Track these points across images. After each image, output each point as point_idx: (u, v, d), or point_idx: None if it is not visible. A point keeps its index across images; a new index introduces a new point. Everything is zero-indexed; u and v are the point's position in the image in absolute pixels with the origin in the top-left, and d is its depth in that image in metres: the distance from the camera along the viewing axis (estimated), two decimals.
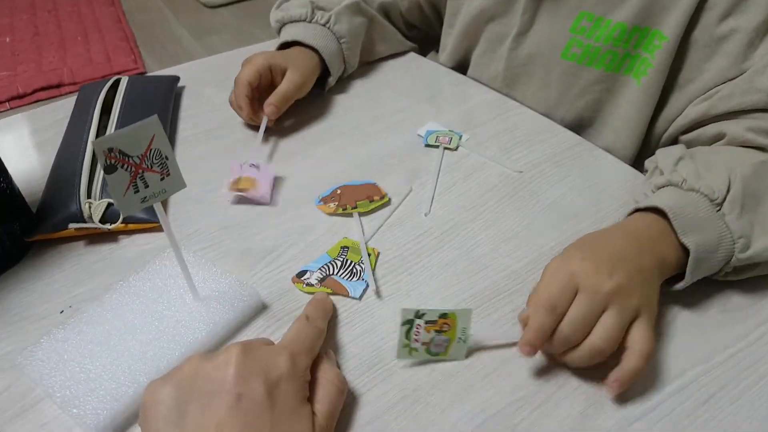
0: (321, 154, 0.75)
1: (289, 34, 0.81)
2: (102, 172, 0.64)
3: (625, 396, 0.47)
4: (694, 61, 0.67)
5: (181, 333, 0.50)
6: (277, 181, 0.70)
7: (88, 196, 0.61)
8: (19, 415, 0.47)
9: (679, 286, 0.53)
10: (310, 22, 0.82)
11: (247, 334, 0.53)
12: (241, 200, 0.67)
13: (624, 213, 0.58)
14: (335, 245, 0.62)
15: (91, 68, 2.11)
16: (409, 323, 0.49)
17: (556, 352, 0.48)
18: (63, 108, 0.81)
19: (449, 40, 0.89)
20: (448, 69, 0.91)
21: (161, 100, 0.78)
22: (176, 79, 0.85)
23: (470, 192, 0.68)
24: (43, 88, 2.02)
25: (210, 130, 0.78)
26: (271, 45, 0.87)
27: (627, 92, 0.73)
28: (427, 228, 0.63)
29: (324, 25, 0.82)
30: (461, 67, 0.90)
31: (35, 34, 2.39)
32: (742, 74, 0.64)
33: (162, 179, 0.45)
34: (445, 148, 0.74)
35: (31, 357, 0.49)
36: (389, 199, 0.67)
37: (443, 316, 0.50)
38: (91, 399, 0.46)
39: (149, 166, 0.43)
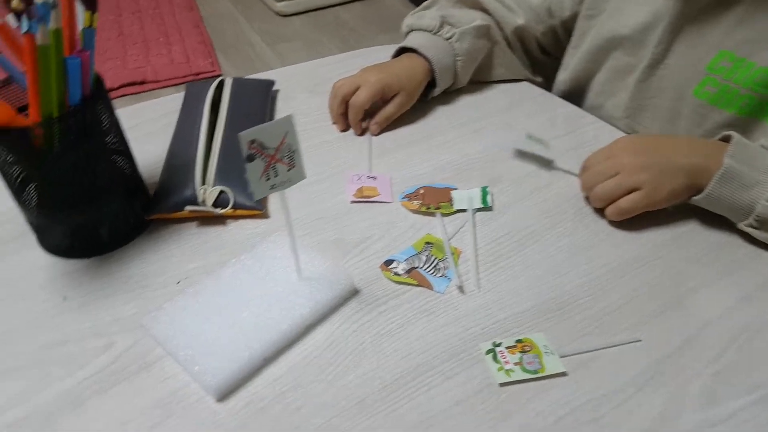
0: (404, 155, 0.80)
1: (412, 41, 0.86)
2: (216, 161, 0.70)
3: (705, 401, 0.50)
4: None
5: (288, 308, 0.56)
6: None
7: (203, 183, 0.67)
8: (143, 369, 0.53)
9: (699, 195, 0.63)
10: (435, 34, 0.86)
11: (341, 314, 0.58)
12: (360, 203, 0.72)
13: (703, 229, 0.65)
14: (420, 240, 0.66)
15: (173, 68, 2.23)
16: (491, 351, 0.54)
17: (585, 193, 0.70)
18: (170, 103, 0.88)
19: (572, 60, 0.90)
20: (559, 99, 0.92)
21: (261, 102, 0.85)
22: (272, 83, 0.91)
23: (549, 201, 0.71)
24: (128, 84, 2.14)
25: (303, 131, 0.84)
26: (354, 55, 0.93)
27: (763, 138, 0.69)
28: (508, 231, 0.67)
29: (447, 40, 0.86)
30: (579, 88, 0.91)
31: (120, 34, 2.53)
32: None
33: (288, 170, 0.51)
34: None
35: (156, 320, 0.55)
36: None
37: (519, 341, 0.55)
38: (210, 359, 0.51)
39: (281, 158, 0.49)
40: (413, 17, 0.90)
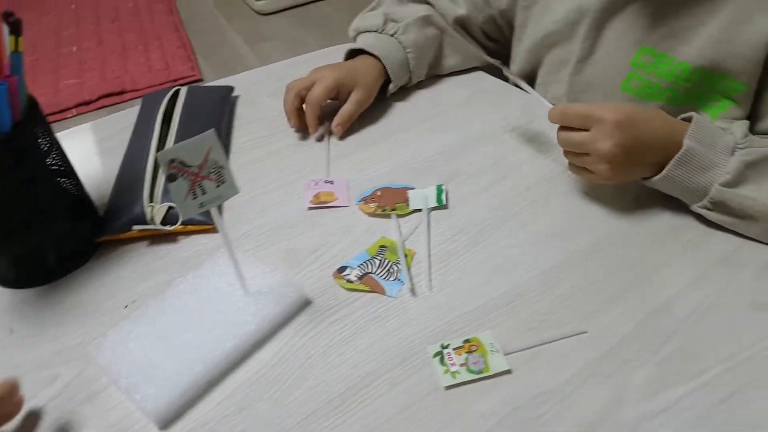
0: (364, 156, 0.79)
1: (360, 42, 0.87)
2: (164, 177, 0.69)
3: (648, 391, 0.50)
4: (765, 101, 0.66)
5: (233, 326, 0.55)
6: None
7: (151, 200, 0.67)
8: (89, 400, 0.53)
9: (655, 177, 0.62)
10: (381, 32, 0.87)
11: (291, 328, 0.58)
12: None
13: (656, 213, 0.65)
14: (374, 244, 0.66)
15: (151, 76, 2.21)
16: (438, 354, 0.54)
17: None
18: (127, 117, 0.87)
19: (518, 52, 0.89)
20: (515, 88, 0.89)
21: (217, 110, 0.84)
22: (231, 89, 0.90)
23: (504, 194, 0.70)
24: (106, 95, 2.13)
25: (263, 137, 0.83)
26: (320, 54, 0.93)
27: None
28: (462, 228, 0.67)
29: (392, 36, 0.86)
30: (528, 80, 0.87)
31: (99, 44, 2.51)
32: None
33: (218, 186, 0.50)
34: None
35: (100, 347, 0.55)
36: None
37: (466, 341, 0.54)
38: (151, 386, 0.51)
39: (206, 175, 0.49)
40: (358, 20, 0.91)
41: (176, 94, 0.84)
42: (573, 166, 0.67)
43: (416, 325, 0.57)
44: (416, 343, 0.55)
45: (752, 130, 0.67)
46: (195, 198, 0.49)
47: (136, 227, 0.65)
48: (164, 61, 2.34)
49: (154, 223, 0.66)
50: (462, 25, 0.91)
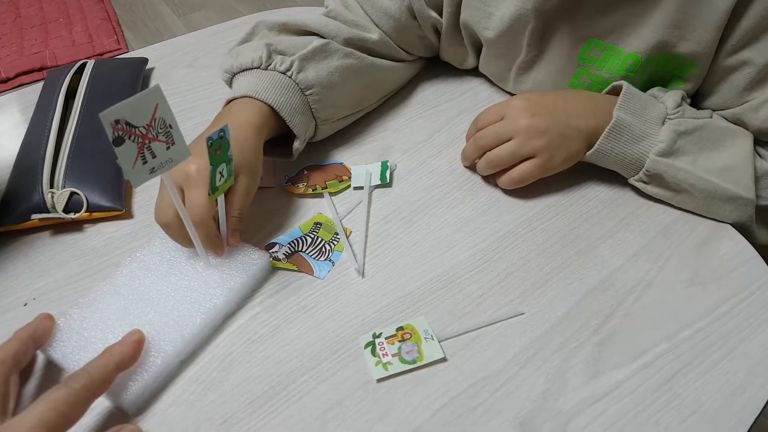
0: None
1: (239, 87, 0.62)
2: (65, 160, 0.63)
3: (588, 373, 0.47)
4: (708, 84, 0.64)
5: (199, 300, 0.52)
6: None
7: (51, 186, 0.61)
8: None
9: (590, 151, 0.60)
10: (265, 69, 0.63)
11: (260, 297, 0.55)
12: None
13: (594, 186, 0.63)
14: (308, 220, 0.62)
15: (74, 50, 2.08)
16: (370, 344, 0.50)
17: (471, 156, 0.64)
18: (31, 93, 0.80)
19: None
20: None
21: (128, 84, 0.77)
22: (144, 61, 0.83)
23: (439, 170, 0.67)
24: (25, 72, 2.00)
25: (179, 113, 0.77)
26: (223, 28, 0.88)
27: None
28: (396, 208, 0.63)
29: (284, 74, 0.62)
30: None
31: (17, 17, 2.35)
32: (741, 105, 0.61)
33: (168, 148, 0.45)
34: None
35: (50, 341, 0.49)
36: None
37: (399, 328, 0.51)
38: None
39: (155, 136, 0.43)
40: (229, 58, 0.66)
41: (82, 68, 0.77)
42: (507, 175, 0.62)
43: (347, 313, 0.53)
44: (346, 334, 0.52)
45: (699, 107, 0.65)
46: (145, 163, 0.44)
47: (35, 216, 0.59)
48: (88, 35, 2.21)
49: (55, 211, 0.59)
50: (380, 50, 0.72)
